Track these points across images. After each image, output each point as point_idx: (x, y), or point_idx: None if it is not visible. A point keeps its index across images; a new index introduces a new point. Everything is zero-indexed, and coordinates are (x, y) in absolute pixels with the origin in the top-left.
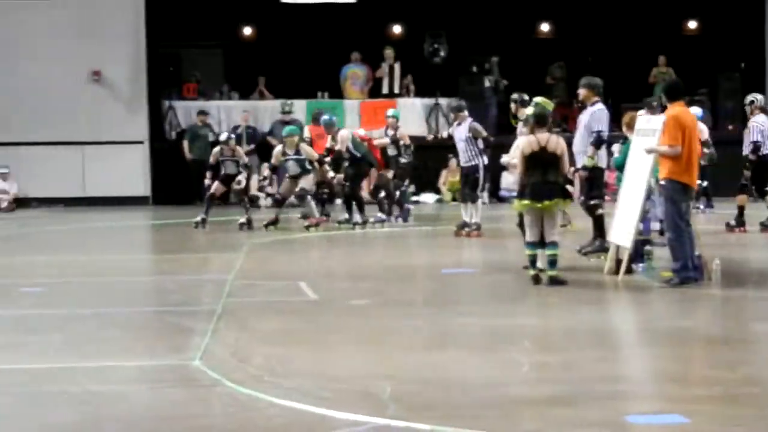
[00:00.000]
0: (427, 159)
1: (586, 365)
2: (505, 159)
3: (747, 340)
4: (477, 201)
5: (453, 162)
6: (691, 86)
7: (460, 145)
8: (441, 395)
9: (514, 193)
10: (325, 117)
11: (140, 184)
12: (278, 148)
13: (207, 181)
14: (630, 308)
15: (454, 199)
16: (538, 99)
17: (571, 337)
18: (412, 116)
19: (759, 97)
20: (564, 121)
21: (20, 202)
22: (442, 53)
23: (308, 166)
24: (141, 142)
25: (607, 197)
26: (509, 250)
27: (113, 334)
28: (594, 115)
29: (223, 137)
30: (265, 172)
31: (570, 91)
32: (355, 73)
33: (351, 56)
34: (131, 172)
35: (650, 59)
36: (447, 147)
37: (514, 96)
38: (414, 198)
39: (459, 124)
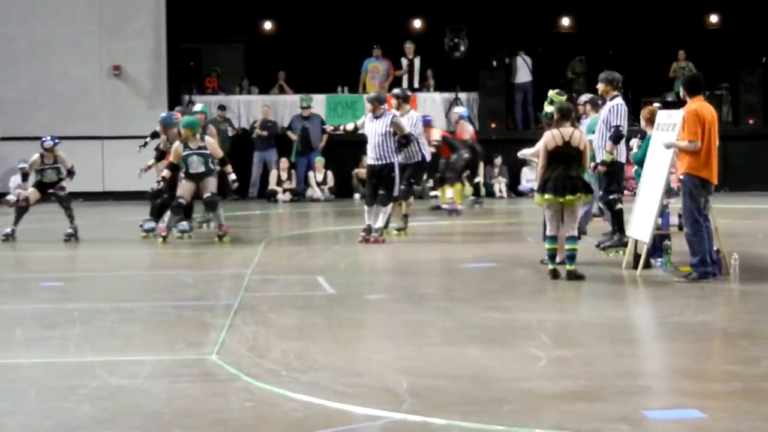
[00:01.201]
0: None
1: (604, 360)
2: (525, 152)
3: (766, 336)
4: (388, 205)
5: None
6: (712, 81)
7: (375, 140)
8: (458, 390)
9: (529, 187)
10: (163, 115)
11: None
12: (177, 143)
13: (20, 191)
14: (648, 303)
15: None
16: (551, 93)
17: (590, 332)
18: (431, 111)
19: None
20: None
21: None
22: (462, 48)
23: (212, 165)
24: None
25: (626, 192)
26: (528, 245)
27: (132, 328)
28: (613, 110)
29: (47, 144)
30: (284, 166)
31: (590, 85)
32: (375, 68)
33: (372, 51)
34: None
35: (671, 53)
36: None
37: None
38: (432, 193)
39: (377, 117)
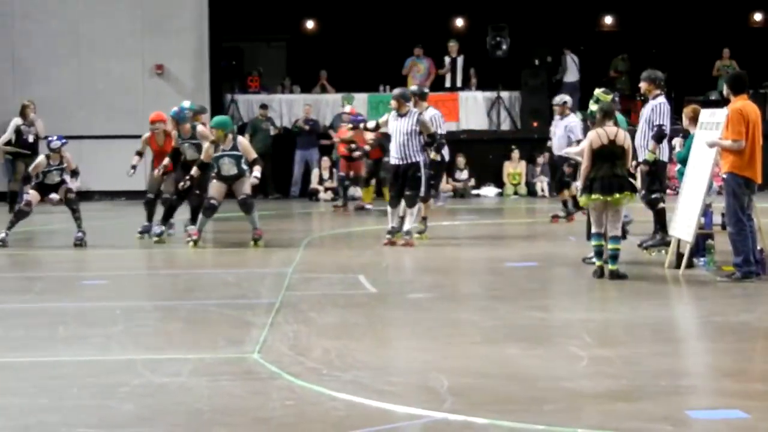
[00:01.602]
0: (489, 152)
1: (646, 360)
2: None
3: None
4: (415, 206)
5: (515, 154)
6: (756, 79)
7: (399, 139)
8: (499, 389)
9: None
10: (175, 110)
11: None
12: (208, 144)
13: (26, 196)
14: (691, 303)
15: (515, 193)
16: (597, 92)
17: (632, 332)
18: (474, 109)
19: None
20: (627, 114)
21: (83, 196)
22: (504, 46)
23: (244, 166)
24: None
25: (669, 191)
26: (570, 244)
27: (174, 326)
28: (655, 109)
29: (54, 145)
30: (326, 165)
31: (633, 84)
32: (416, 66)
33: (414, 50)
34: None
35: (714, 52)
36: (508, 140)
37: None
38: (474, 192)
39: (401, 115)
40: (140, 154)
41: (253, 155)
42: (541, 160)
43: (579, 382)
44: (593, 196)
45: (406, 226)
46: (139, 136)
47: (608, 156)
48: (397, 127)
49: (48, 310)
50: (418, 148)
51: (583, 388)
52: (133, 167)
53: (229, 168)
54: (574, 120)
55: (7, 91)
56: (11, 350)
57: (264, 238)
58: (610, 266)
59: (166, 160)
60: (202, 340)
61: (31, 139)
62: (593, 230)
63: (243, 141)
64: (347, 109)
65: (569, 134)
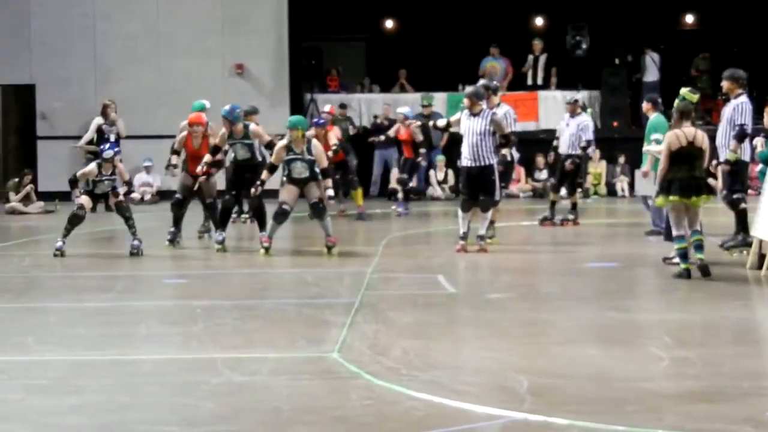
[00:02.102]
0: None
1: (727, 361)
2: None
3: None
4: (490, 210)
5: (595, 154)
6: None
7: (472, 139)
8: (579, 389)
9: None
10: (227, 108)
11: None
12: (280, 145)
13: (78, 200)
14: None
15: (595, 193)
16: (682, 91)
17: (712, 333)
18: (553, 109)
19: None
20: (708, 113)
21: (163, 195)
22: (584, 45)
23: (317, 170)
24: (282, 135)
25: (750, 191)
26: (650, 244)
27: (253, 325)
28: (737, 108)
29: (107, 154)
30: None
31: (714, 83)
32: (493, 67)
33: (490, 49)
34: None
35: None
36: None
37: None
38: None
39: (474, 114)
40: (177, 153)
41: (325, 162)
42: (621, 159)
43: (659, 383)
44: (671, 198)
45: (481, 232)
46: None
47: (686, 158)
48: (470, 127)
49: (128, 309)
50: (491, 150)
51: (663, 388)
52: (175, 166)
53: (301, 171)
54: (587, 119)
55: (88, 90)
56: (92, 348)
57: (342, 238)
58: (697, 255)
59: (208, 158)
60: (281, 339)
61: (112, 138)
62: (675, 233)
63: (318, 145)
64: (403, 109)
65: (581, 133)
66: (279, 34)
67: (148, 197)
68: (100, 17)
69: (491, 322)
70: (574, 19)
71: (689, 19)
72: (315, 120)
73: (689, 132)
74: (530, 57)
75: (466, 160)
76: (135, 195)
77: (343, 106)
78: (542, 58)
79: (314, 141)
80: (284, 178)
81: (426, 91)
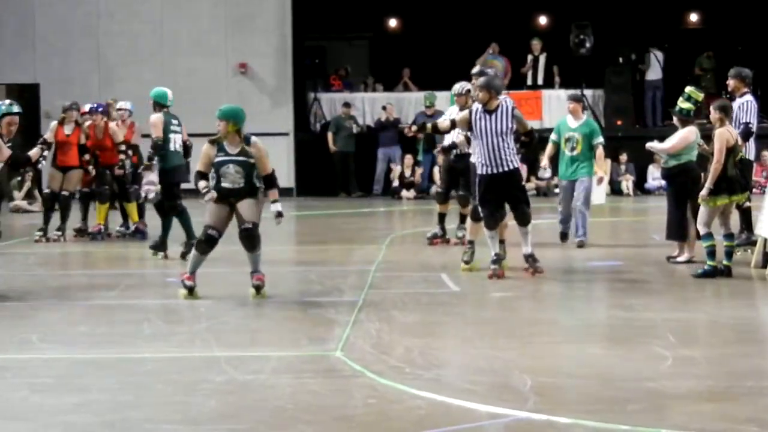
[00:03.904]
0: None
1: (732, 360)
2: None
3: None
4: (530, 223)
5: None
6: None
7: (491, 141)
8: (583, 389)
9: (657, 185)
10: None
11: (284, 176)
12: (207, 145)
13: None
14: None
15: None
16: (688, 89)
17: (717, 332)
18: (557, 108)
19: None
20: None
21: None
22: (588, 44)
23: (255, 181)
24: (286, 134)
25: (755, 190)
26: (654, 243)
27: (257, 324)
28: (742, 107)
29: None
30: (408, 163)
31: (718, 81)
32: (493, 65)
33: (489, 47)
34: (276, 163)
35: None
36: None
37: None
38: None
39: (489, 111)
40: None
41: (269, 169)
42: (624, 158)
43: (663, 382)
44: (719, 201)
45: (527, 249)
46: None
47: (728, 156)
48: (486, 127)
49: (132, 307)
50: (514, 151)
51: (667, 388)
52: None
53: (234, 178)
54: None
55: (92, 89)
56: (96, 346)
57: (346, 236)
58: (725, 262)
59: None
60: (284, 337)
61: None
62: (704, 231)
63: (258, 143)
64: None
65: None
66: (282, 33)
67: (152, 196)
68: (104, 17)
69: (495, 320)
70: (577, 17)
71: (693, 17)
72: (94, 106)
73: (733, 130)
74: (530, 57)
75: (483, 167)
76: (140, 193)
77: (347, 105)
78: (542, 58)
79: (254, 138)
80: (210, 190)
81: (430, 89)
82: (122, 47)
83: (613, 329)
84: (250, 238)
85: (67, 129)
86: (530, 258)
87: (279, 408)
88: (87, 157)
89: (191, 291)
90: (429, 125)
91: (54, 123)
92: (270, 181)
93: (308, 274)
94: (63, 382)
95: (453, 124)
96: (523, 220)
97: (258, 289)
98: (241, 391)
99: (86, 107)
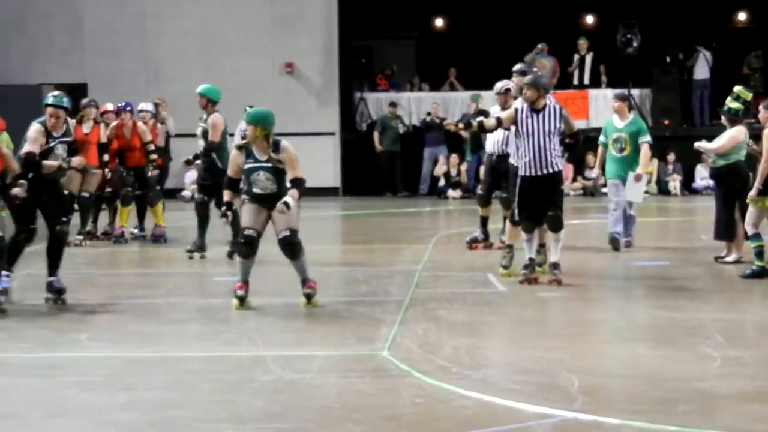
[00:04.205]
0: None
1: None
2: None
3: None
4: (563, 230)
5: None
6: None
7: (537, 141)
8: (630, 389)
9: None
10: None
11: (330, 175)
12: (235, 152)
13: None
14: None
15: (646, 192)
16: (736, 89)
17: (765, 332)
18: (604, 107)
19: None
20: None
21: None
22: (635, 43)
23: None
24: (332, 134)
25: None
26: (702, 243)
27: (303, 323)
28: None
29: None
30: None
31: (767, 81)
32: (541, 64)
33: (537, 46)
34: (322, 163)
35: None
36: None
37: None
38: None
39: (536, 111)
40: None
41: (299, 172)
42: (672, 158)
43: (711, 383)
44: None
45: (554, 258)
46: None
47: None
48: (532, 126)
49: (179, 306)
50: (559, 153)
51: (715, 388)
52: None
53: (265, 185)
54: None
55: (140, 89)
56: (143, 345)
57: (392, 236)
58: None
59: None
60: (331, 336)
61: (162, 136)
62: (752, 231)
63: (288, 148)
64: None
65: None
66: (329, 32)
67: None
68: (152, 17)
69: (542, 320)
70: (625, 16)
71: (741, 16)
72: (122, 105)
73: None
74: (576, 56)
75: (527, 168)
76: (186, 193)
77: (392, 104)
78: (588, 57)
79: (284, 143)
80: (244, 196)
81: (476, 89)
82: (170, 47)
83: (660, 329)
84: (290, 246)
85: (86, 128)
86: (555, 267)
87: (326, 407)
88: (106, 158)
89: (242, 301)
90: (475, 123)
91: (72, 122)
92: (296, 182)
93: (355, 274)
94: (112, 381)
95: (499, 122)
96: (556, 225)
97: (309, 297)
98: (287, 391)
99: (108, 106)
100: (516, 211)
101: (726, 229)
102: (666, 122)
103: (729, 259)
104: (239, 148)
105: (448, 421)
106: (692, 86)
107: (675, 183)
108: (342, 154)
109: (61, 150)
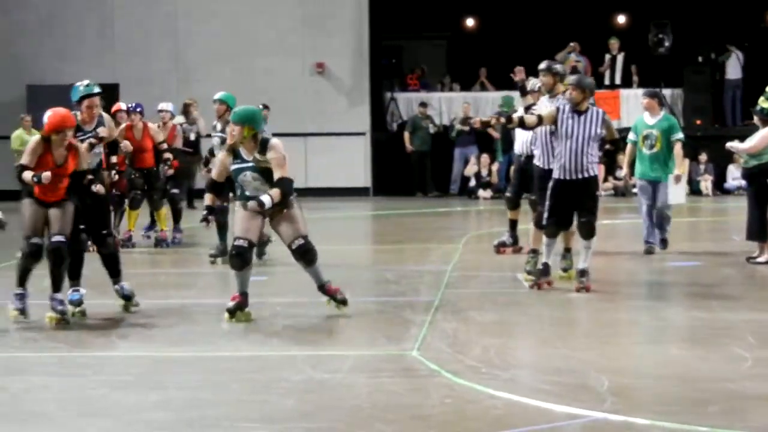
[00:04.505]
0: None
1: None
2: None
3: None
4: (594, 237)
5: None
6: None
7: (576, 145)
8: (660, 389)
9: (736, 185)
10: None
11: (361, 175)
12: (223, 154)
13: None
14: None
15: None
16: None
17: None
18: (635, 107)
19: None
20: None
21: None
22: (667, 43)
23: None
24: (363, 134)
25: None
26: (734, 244)
27: (333, 323)
28: None
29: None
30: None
31: None
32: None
33: (569, 45)
34: (353, 163)
35: None
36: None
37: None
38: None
39: (579, 112)
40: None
41: (284, 172)
42: (704, 158)
43: (743, 384)
44: None
45: (583, 264)
46: (301, 135)
47: None
48: (573, 129)
49: (209, 306)
50: (596, 158)
51: (746, 389)
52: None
53: (255, 186)
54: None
55: (170, 90)
56: (174, 345)
57: (423, 236)
58: None
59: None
60: (361, 336)
61: (192, 137)
62: None
63: (277, 147)
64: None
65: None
66: (360, 32)
67: (230, 195)
68: (182, 17)
69: (572, 321)
70: (657, 16)
71: None
72: (131, 105)
73: None
74: (607, 56)
75: (561, 171)
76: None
77: (423, 104)
78: (620, 57)
79: (273, 141)
80: (237, 203)
81: (507, 89)
82: (200, 47)
83: (691, 330)
84: (306, 253)
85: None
86: (583, 274)
87: (356, 407)
88: (114, 159)
89: (232, 314)
90: (516, 118)
91: (107, 116)
92: (279, 182)
93: (385, 274)
94: (143, 380)
95: (540, 120)
96: (588, 232)
97: (340, 301)
98: (318, 390)
99: (122, 105)
100: (544, 215)
101: (758, 229)
102: (698, 122)
103: (761, 259)
104: (228, 150)
105: (478, 421)
106: (724, 86)
107: (707, 183)
108: (372, 154)
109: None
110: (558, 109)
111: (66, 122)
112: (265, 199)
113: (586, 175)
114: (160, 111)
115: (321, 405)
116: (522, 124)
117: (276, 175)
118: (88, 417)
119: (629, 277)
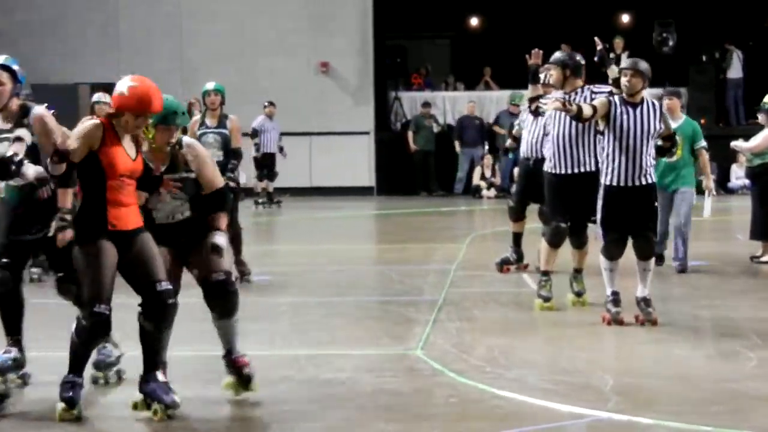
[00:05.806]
0: None
1: None
2: (739, 145)
3: None
4: (653, 257)
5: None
6: None
7: (635, 144)
8: (665, 389)
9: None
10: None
11: (365, 175)
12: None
13: None
14: None
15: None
16: None
17: None
18: None
19: None
20: None
21: (248, 192)
22: (671, 42)
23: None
24: (367, 133)
25: None
26: (738, 243)
27: (338, 322)
28: None
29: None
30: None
31: None
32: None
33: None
34: (357, 162)
35: None
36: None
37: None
38: None
39: (633, 105)
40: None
41: (219, 182)
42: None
43: (746, 384)
44: None
45: (643, 291)
46: (305, 134)
47: None
48: (628, 124)
49: None
50: (653, 160)
51: (750, 389)
52: None
53: (173, 208)
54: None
55: (175, 89)
56: (179, 343)
57: (427, 235)
58: None
59: None
60: (365, 336)
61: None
62: None
63: (197, 146)
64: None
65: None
66: (364, 32)
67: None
68: (186, 17)
69: (577, 320)
70: (661, 15)
71: None
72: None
73: None
74: (611, 55)
75: (615, 176)
76: None
77: (426, 104)
78: (624, 56)
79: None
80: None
81: (511, 88)
82: (204, 47)
83: (695, 329)
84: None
85: None
86: (644, 302)
87: (360, 406)
88: None
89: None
90: (574, 107)
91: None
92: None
93: (389, 273)
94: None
95: (594, 110)
96: (647, 251)
97: (240, 374)
98: (322, 389)
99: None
100: (597, 231)
101: (762, 228)
102: (702, 121)
103: (765, 258)
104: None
105: (482, 420)
106: (726, 86)
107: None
108: (376, 154)
109: None
110: (610, 101)
111: None
112: (222, 239)
113: (644, 181)
114: None
115: (325, 404)
116: (579, 113)
117: (213, 184)
118: (88, 416)
119: (633, 276)
